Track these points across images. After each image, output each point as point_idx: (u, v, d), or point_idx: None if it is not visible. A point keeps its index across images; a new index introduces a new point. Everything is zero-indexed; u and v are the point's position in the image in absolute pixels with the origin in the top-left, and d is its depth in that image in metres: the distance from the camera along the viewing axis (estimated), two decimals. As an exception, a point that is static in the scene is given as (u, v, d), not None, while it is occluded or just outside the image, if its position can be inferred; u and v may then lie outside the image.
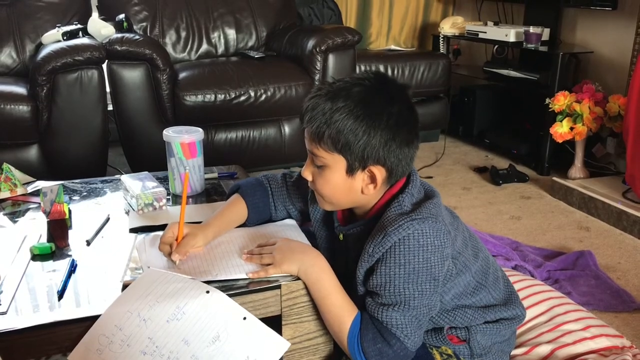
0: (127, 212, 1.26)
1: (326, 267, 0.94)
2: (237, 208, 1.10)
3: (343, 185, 0.92)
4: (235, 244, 1.05)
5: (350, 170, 0.91)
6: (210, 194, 1.40)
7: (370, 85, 0.90)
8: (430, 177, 2.82)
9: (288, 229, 1.11)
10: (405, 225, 0.87)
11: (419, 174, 0.97)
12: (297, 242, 1.01)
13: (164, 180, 1.42)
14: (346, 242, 1.02)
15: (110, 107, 2.36)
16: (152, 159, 2.14)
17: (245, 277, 0.95)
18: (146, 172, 1.38)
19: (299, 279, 0.96)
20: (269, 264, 0.96)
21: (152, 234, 1.10)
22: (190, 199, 1.36)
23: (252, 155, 2.54)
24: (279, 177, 1.15)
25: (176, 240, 0.99)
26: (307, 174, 0.95)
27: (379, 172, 0.91)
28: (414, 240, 0.87)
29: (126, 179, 1.34)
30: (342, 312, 0.92)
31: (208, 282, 0.92)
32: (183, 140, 1.30)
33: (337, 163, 0.91)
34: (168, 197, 1.33)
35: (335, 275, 0.94)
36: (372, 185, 0.92)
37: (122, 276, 0.98)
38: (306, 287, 0.96)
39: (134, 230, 1.16)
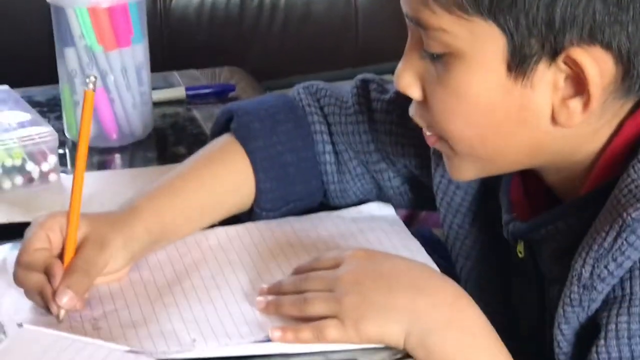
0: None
1: (479, 328, 0.58)
2: (220, 170, 0.73)
3: (501, 101, 0.58)
4: (235, 263, 0.70)
5: (519, 62, 0.56)
6: (167, 140, 0.96)
7: None
8: None
9: (375, 226, 0.74)
10: None
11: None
12: (401, 260, 0.64)
13: (50, 109, 0.97)
14: (533, 259, 0.66)
15: None
16: (20, 56, 1.50)
17: (265, 343, 0.61)
18: (7, 88, 0.93)
19: (405, 355, 0.59)
20: (325, 317, 0.59)
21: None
22: (115, 155, 0.91)
23: (273, 41, 1.64)
24: (346, 92, 0.76)
25: (60, 258, 0.64)
26: (408, 77, 0.60)
27: (597, 65, 0.54)
28: None
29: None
30: None
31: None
32: (95, 1, 0.87)
33: (482, 44, 0.57)
34: (62, 150, 0.88)
35: (503, 348, 0.58)
36: (577, 100, 0.56)
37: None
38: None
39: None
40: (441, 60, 0.57)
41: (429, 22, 0.56)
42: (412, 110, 0.61)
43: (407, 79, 0.59)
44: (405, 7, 0.57)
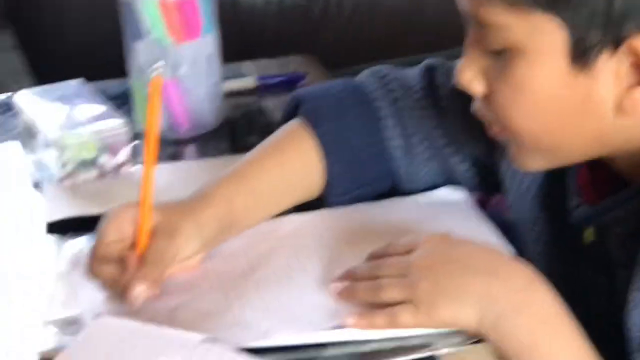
0: (38, 186, 0.83)
1: (553, 312, 0.57)
2: (290, 155, 0.71)
3: (565, 94, 0.56)
4: (309, 249, 0.68)
5: (581, 53, 0.54)
6: (237, 131, 0.93)
7: None
8: None
9: (448, 212, 0.72)
10: None
11: None
12: (475, 245, 0.62)
13: (123, 102, 0.93)
14: (602, 246, 0.63)
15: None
16: (94, 50, 1.48)
17: (339, 330, 0.59)
18: (81, 81, 0.89)
19: (479, 340, 0.57)
20: (399, 303, 0.58)
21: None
22: (187, 146, 0.88)
23: (343, 29, 1.60)
24: (412, 78, 0.74)
25: (135, 247, 0.63)
26: (469, 73, 0.59)
27: None
28: None
29: (29, 99, 0.87)
30: None
31: (250, 352, 0.58)
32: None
33: (542, 38, 0.55)
34: (136, 141, 0.86)
35: (579, 332, 0.56)
36: None
37: (37, 344, 0.62)
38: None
39: (55, 229, 0.74)
40: (502, 55, 0.56)
41: (488, 18, 0.54)
42: (476, 107, 0.60)
43: (469, 75, 0.58)
44: (462, 4, 0.56)
